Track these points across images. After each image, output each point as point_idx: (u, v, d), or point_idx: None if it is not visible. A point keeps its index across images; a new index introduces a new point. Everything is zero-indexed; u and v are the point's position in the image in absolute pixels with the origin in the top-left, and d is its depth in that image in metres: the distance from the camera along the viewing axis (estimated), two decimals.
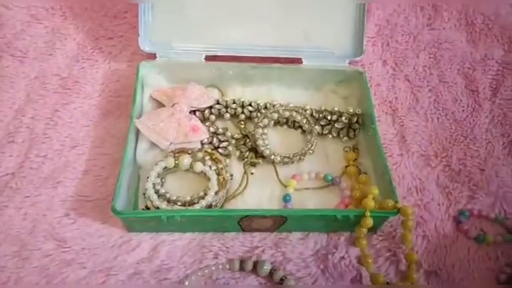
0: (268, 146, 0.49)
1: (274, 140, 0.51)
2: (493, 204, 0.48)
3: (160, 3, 0.52)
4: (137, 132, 0.48)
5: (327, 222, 0.43)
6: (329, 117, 0.51)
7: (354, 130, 0.51)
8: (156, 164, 0.46)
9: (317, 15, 0.55)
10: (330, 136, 0.51)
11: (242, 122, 0.52)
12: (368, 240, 0.44)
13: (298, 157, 0.49)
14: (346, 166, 0.49)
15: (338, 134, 0.51)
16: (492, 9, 0.63)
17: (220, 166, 0.47)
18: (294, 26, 0.55)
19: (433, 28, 0.62)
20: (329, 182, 0.48)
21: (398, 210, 0.42)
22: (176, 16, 0.53)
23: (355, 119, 0.51)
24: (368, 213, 0.41)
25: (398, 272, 0.43)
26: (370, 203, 0.42)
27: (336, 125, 0.51)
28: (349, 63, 0.55)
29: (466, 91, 0.58)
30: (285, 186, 0.47)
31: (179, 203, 0.44)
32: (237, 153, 0.50)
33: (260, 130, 0.50)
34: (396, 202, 0.42)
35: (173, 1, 0.53)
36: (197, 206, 0.43)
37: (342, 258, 0.43)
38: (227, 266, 0.42)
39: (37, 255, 0.41)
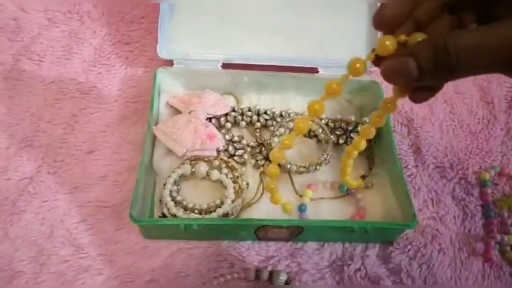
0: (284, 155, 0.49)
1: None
2: (509, 217, 0.48)
3: (179, 11, 0.53)
4: (154, 138, 0.48)
5: (343, 233, 0.43)
6: (344, 127, 0.51)
7: (370, 140, 0.51)
8: (173, 171, 0.46)
9: (331, 26, 0.55)
10: (346, 145, 0.51)
11: (258, 130, 0.52)
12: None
13: (314, 166, 0.49)
14: (361, 176, 0.49)
15: None
16: None
17: (236, 174, 0.47)
18: (309, 38, 0.55)
19: None
20: (345, 192, 0.48)
21: (415, 222, 0.42)
22: (194, 24, 0.54)
23: None
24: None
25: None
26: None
27: (351, 135, 0.51)
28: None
29: (482, 103, 0.58)
30: (301, 196, 0.48)
31: (196, 211, 0.44)
32: (253, 161, 0.50)
33: (276, 139, 0.50)
34: (413, 214, 0.42)
35: (192, 9, 0.53)
36: (213, 214, 0.44)
37: (358, 270, 0.43)
38: (243, 275, 0.42)
39: (54, 260, 0.42)
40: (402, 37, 0.24)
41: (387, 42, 0.24)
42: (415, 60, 0.23)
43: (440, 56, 0.23)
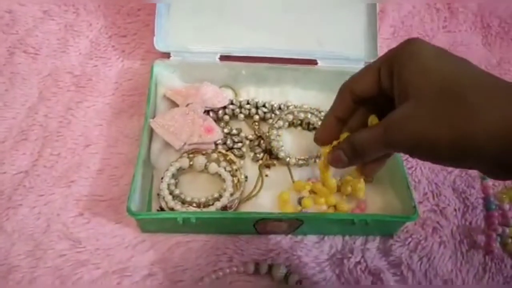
0: (282, 148, 0.49)
1: (288, 141, 0.51)
2: (510, 210, 0.48)
3: (176, 3, 0.52)
4: (151, 131, 0.47)
5: (343, 226, 0.43)
6: None
7: None
8: (171, 165, 0.45)
9: (329, 20, 0.55)
10: None
11: (256, 123, 0.51)
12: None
13: (313, 159, 0.48)
14: None
15: None
16: (509, 12, 0.62)
17: (235, 167, 0.46)
18: (307, 31, 0.55)
19: (449, 31, 0.62)
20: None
21: (415, 214, 0.41)
22: (192, 16, 0.53)
23: None
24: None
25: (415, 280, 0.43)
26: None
27: None
28: (365, 64, 0.55)
29: None
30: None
31: (194, 205, 0.44)
32: (251, 154, 0.49)
33: (275, 132, 0.49)
34: (414, 207, 0.42)
35: (189, 1, 0.52)
36: (212, 208, 0.43)
37: (358, 263, 0.43)
38: (242, 269, 0.42)
39: (51, 255, 0.41)
40: (334, 143, 0.34)
41: (327, 150, 0.35)
42: (343, 153, 0.32)
43: (353, 150, 0.31)
